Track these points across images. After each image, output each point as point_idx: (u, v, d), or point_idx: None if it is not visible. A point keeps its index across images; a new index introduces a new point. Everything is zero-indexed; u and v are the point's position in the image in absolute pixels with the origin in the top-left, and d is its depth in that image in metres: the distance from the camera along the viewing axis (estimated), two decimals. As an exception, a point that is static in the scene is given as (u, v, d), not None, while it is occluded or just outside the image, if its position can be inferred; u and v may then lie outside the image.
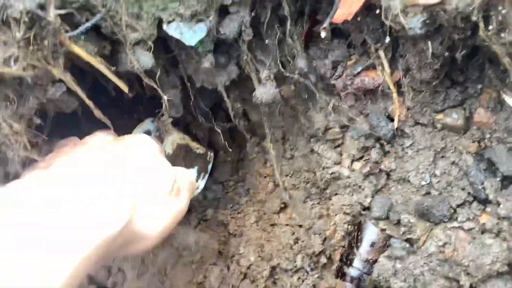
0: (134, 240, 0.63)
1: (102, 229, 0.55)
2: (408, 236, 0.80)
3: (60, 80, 0.68)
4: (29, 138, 0.68)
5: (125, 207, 0.60)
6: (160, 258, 0.91)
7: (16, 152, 0.67)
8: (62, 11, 0.64)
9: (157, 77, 0.78)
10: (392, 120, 0.84)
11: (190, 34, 0.76)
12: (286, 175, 0.97)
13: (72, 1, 0.66)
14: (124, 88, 0.74)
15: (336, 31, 0.84)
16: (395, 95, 0.81)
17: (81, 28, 0.68)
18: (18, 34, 0.58)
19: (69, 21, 0.66)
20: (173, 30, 0.75)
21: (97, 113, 0.74)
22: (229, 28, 0.79)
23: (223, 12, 0.79)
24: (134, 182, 0.65)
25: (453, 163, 0.81)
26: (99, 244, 0.54)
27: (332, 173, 0.88)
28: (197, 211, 1.05)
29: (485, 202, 0.77)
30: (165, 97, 0.79)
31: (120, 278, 0.91)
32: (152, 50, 0.75)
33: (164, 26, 0.75)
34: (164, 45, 0.83)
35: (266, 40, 0.85)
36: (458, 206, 0.79)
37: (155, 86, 0.78)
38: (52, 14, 0.61)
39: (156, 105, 0.83)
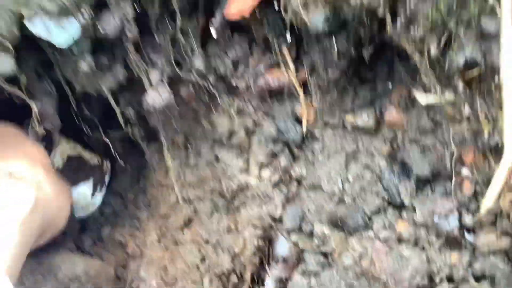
0: None
1: None
2: (323, 249, 0.74)
3: None
4: None
5: None
6: (46, 293, 0.79)
7: None
8: None
9: (23, 83, 0.66)
10: (300, 122, 0.77)
11: (60, 32, 0.64)
12: (190, 185, 0.87)
13: None
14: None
15: (236, 26, 0.75)
16: (301, 95, 0.75)
17: None
18: None
19: None
20: (37, 27, 0.63)
21: None
22: (109, 25, 0.68)
23: (101, 5, 0.67)
24: None
25: (366, 166, 0.76)
26: None
27: (239, 183, 0.80)
28: (91, 230, 0.93)
29: (400, 207, 0.72)
30: (34, 106, 0.67)
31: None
32: (14, 52, 0.63)
33: (27, 23, 0.62)
34: (33, 46, 0.70)
35: (157, 38, 0.74)
36: (373, 213, 0.74)
37: (21, 95, 0.66)
38: None
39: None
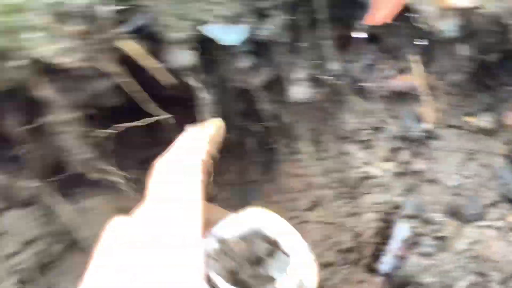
0: None
1: None
2: (438, 234, 0.82)
3: (108, 74, 0.73)
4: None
5: None
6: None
7: (70, 142, 0.72)
8: (115, 8, 0.69)
9: (197, 76, 0.83)
10: (423, 122, 0.86)
11: (229, 35, 0.80)
12: (317, 175, 0.99)
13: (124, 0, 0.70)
14: (172, 79, 0.78)
15: (369, 35, 0.87)
16: (427, 98, 0.84)
17: (130, 26, 0.73)
18: (75, 28, 0.63)
19: (120, 19, 0.71)
20: (212, 31, 0.79)
21: (153, 106, 0.78)
22: (266, 30, 0.83)
23: (262, 14, 0.83)
24: None
25: (483, 164, 0.83)
26: None
27: (363, 173, 0.91)
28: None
29: (512, 202, 0.79)
30: (205, 95, 0.83)
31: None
32: (192, 49, 0.80)
33: (204, 27, 0.79)
34: (202, 46, 0.87)
35: (301, 43, 0.88)
36: (488, 206, 0.81)
37: (197, 85, 0.82)
38: (106, 10, 0.66)
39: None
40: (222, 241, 0.56)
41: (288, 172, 1.06)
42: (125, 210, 1.02)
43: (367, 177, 0.91)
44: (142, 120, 0.82)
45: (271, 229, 0.60)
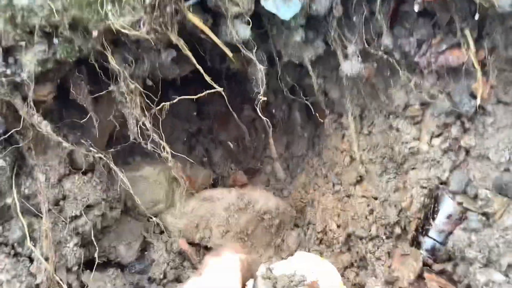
0: None
1: None
2: (485, 210, 0.83)
3: (172, 47, 0.76)
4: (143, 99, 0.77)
5: None
6: (243, 220, 0.98)
7: (131, 111, 0.76)
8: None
9: (252, 50, 0.85)
10: (474, 97, 0.86)
11: (285, 9, 0.81)
12: (363, 150, 1.01)
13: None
14: (229, 53, 0.81)
15: (422, 10, 0.86)
16: (479, 73, 0.83)
17: (193, 0, 0.75)
18: (146, 0, 0.66)
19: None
20: (270, 5, 0.81)
21: (207, 78, 0.81)
22: (321, 5, 0.84)
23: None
24: None
25: (534, 141, 0.82)
26: None
27: (410, 148, 0.92)
28: (274, 187, 1.12)
29: None
30: (261, 67, 0.85)
31: (207, 234, 0.99)
32: (249, 24, 0.82)
33: (262, 2, 0.81)
34: (257, 20, 0.89)
35: (354, 18, 0.89)
36: (537, 183, 0.80)
37: (253, 57, 0.84)
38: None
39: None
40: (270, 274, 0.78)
41: (334, 147, 1.08)
42: (174, 181, 1.07)
43: (415, 153, 0.92)
44: (195, 95, 0.85)
45: (314, 270, 0.77)
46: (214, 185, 1.14)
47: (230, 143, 1.25)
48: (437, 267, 0.85)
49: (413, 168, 0.93)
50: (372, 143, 1.00)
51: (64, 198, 0.88)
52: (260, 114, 1.08)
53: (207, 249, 1.03)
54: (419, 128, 0.92)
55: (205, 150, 1.25)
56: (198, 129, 1.25)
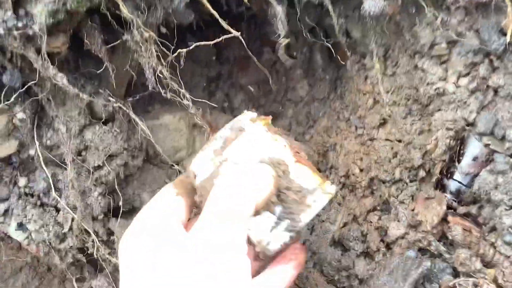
0: None
1: None
2: (513, 152, 0.80)
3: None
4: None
5: None
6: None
7: (147, 60, 0.75)
8: None
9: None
10: (504, 34, 0.81)
11: None
12: (387, 92, 0.98)
13: None
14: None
15: None
16: (509, 8, 0.79)
17: None
18: None
19: None
20: None
21: (223, 23, 0.78)
22: None
23: None
24: None
25: None
26: None
27: (436, 89, 0.89)
28: (295, 131, 1.11)
29: None
30: (279, 8, 0.82)
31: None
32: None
33: None
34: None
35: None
36: None
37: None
38: None
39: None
40: None
41: (357, 89, 1.05)
42: (195, 127, 1.07)
43: (440, 94, 0.89)
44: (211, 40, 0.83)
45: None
46: (235, 130, 1.13)
47: (250, 87, 1.23)
48: (461, 210, 0.84)
49: (438, 110, 0.90)
50: (396, 84, 0.97)
51: (86, 148, 0.89)
52: (281, 56, 1.05)
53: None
54: (445, 68, 0.89)
55: (226, 95, 1.23)
56: (217, 74, 1.23)
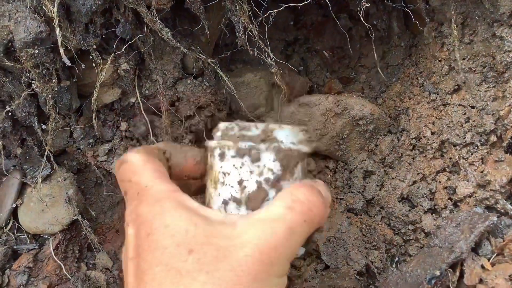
0: None
1: None
2: None
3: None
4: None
5: None
6: (339, 124, 1.04)
7: (239, 19, 0.82)
8: None
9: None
10: None
11: None
12: (463, 59, 1.00)
13: None
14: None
15: None
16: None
17: None
18: None
19: None
20: None
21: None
22: None
23: None
24: None
25: None
26: None
27: (513, 57, 0.91)
28: (368, 96, 1.16)
29: None
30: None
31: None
32: None
33: None
34: None
35: None
36: None
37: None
38: None
39: None
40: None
41: (433, 56, 1.08)
42: (273, 87, 1.14)
43: (518, 61, 0.91)
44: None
45: None
46: (309, 92, 1.20)
47: (325, 52, 1.28)
48: (531, 172, 0.87)
49: (514, 77, 0.92)
50: (473, 52, 1.00)
51: (179, 99, 0.98)
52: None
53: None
54: (525, 36, 0.91)
55: (301, 59, 1.29)
56: (294, 38, 1.29)
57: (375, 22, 1.17)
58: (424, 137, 1.02)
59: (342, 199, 1.07)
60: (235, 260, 0.47)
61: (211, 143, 0.59)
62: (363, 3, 0.89)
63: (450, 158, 0.99)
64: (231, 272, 0.47)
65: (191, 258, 0.47)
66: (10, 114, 0.87)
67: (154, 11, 0.80)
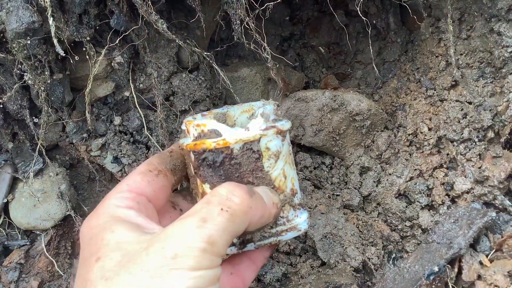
0: None
1: None
2: None
3: None
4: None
5: None
6: (336, 119, 1.03)
7: (236, 11, 0.81)
8: None
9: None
10: None
11: None
12: (461, 54, 1.00)
13: None
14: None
15: None
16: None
17: None
18: None
19: None
20: None
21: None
22: None
23: None
24: None
25: None
26: None
27: (511, 52, 0.90)
28: (364, 92, 1.15)
29: None
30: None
31: (300, 132, 1.06)
32: None
33: None
34: None
35: None
36: None
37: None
38: None
39: None
40: None
41: (430, 51, 1.07)
42: (269, 82, 1.13)
43: (515, 57, 0.91)
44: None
45: None
46: (305, 88, 1.19)
47: (321, 48, 1.27)
48: (529, 169, 0.87)
49: (512, 73, 0.92)
50: (470, 47, 0.99)
51: (173, 94, 0.97)
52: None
53: (300, 146, 1.10)
54: (523, 31, 0.90)
55: (297, 55, 1.28)
56: (290, 34, 1.28)
57: (374, 22, 1.16)
58: (421, 133, 1.01)
59: (339, 195, 1.06)
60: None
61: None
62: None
63: (448, 154, 0.98)
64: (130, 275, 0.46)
65: (96, 266, 0.48)
66: (1, 107, 0.85)
67: (149, 2, 0.78)
